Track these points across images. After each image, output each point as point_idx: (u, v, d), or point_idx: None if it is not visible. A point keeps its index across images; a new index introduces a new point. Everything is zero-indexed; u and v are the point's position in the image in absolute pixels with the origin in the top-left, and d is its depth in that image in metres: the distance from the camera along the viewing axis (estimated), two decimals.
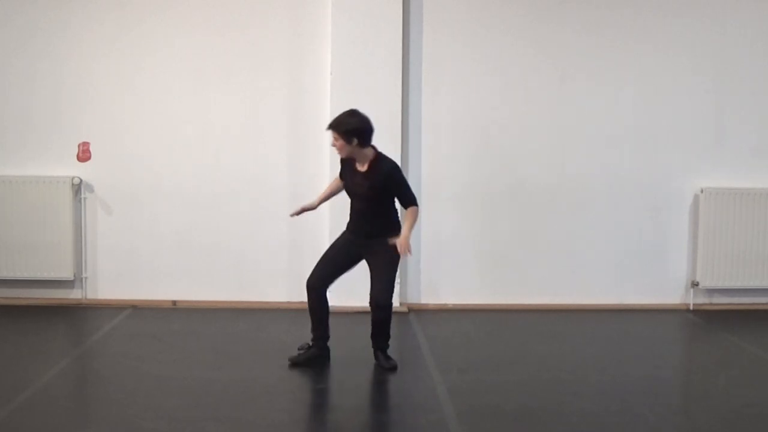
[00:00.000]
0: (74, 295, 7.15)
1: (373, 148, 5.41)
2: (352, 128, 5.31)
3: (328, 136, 5.44)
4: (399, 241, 5.27)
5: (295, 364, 5.49)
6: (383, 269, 5.40)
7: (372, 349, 5.57)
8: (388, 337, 5.55)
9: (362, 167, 5.41)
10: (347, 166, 5.49)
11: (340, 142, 5.33)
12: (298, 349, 5.58)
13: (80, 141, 7.09)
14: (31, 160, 7.04)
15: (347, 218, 5.58)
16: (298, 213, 5.71)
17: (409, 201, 5.41)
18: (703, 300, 7.34)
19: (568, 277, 7.26)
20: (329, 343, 5.59)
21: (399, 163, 5.63)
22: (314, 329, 5.54)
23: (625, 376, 5.49)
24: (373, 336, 5.55)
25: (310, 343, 5.56)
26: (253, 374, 5.40)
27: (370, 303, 5.44)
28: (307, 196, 7.05)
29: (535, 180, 7.22)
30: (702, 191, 7.17)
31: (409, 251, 5.32)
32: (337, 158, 5.57)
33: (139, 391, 5.05)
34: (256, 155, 7.13)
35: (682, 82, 7.23)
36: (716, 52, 7.21)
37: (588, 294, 7.24)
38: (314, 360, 5.52)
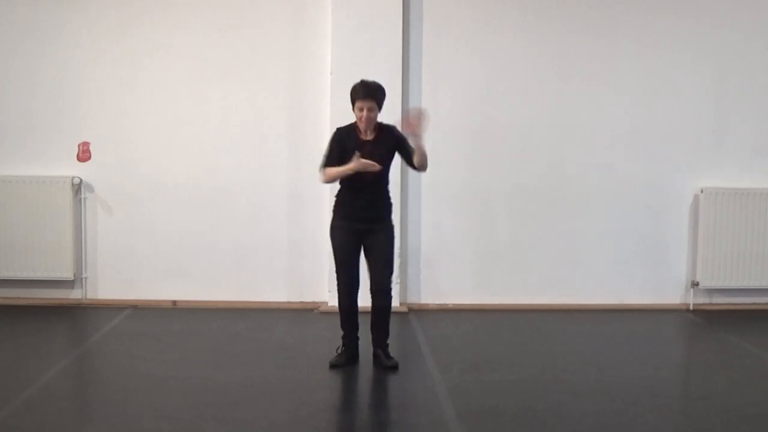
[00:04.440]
0: (74, 295, 7.15)
1: None
2: (384, 93, 5.33)
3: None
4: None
5: (335, 366, 5.46)
6: (384, 252, 5.38)
7: (371, 349, 5.55)
8: (388, 331, 5.53)
9: (368, 136, 5.34)
10: (347, 142, 5.32)
11: (376, 111, 5.27)
12: (336, 353, 5.55)
13: (80, 141, 7.09)
14: (31, 160, 7.04)
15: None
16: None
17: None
18: (703, 300, 7.34)
19: (568, 277, 7.26)
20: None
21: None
22: (351, 329, 5.50)
23: (625, 376, 5.49)
24: (374, 328, 5.50)
25: (343, 343, 5.53)
26: (253, 374, 5.40)
27: (371, 289, 5.42)
28: (307, 196, 7.12)
29: (535, 180, 7.22)
30: (702, 191, 7.17)
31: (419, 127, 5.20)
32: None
33: (139, 391, 5.05)
34: (256, 155, 7.13)
35: (682, 82, 7.23)
36: (716, 51, 7.21)
37: (588, 294, 7.24)
38: (352, 359, 5.52)
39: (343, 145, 5.37)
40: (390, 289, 5.47)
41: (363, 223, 5.37)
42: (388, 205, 5.50)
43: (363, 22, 6.90)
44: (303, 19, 7.05)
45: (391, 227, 5.49)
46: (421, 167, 5.40)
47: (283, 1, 7.06)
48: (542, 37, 7.16)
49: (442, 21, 7.10)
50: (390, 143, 5.36)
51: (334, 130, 5.49)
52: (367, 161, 5.21)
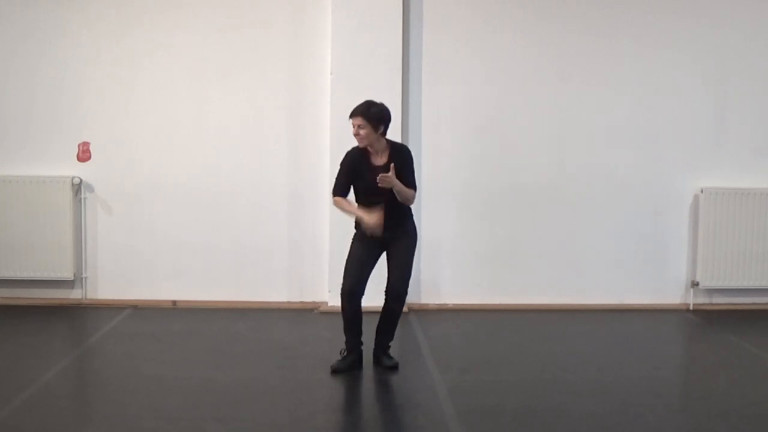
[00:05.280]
0: (74, 295, 7.15)
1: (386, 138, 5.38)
2: (381, 115, 5.26)
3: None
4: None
5: (336, 371, 5.41)
6: (403, 258, 5.37)
7: (372, 349, 5.55)
8: (392, 336, 5.54)
9: (380, 160, 5.32)
10: (359, 166, 5.32)
11: (366, 130, 5.21)
12: (340, 357, 5.50)
13: (80, 141, 7.09)
14: (31, 160, 7.04)
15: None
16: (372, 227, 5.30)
17: (413, 185, 5.32)
18: (703, 300, 7.33)
19: (568, 277, 7.26)
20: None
21: None
22: (353, 335, 5.44)
23: (625, 376, 5.49)
24: (380, 331, 5.50)
25: (346, 349, 5.48)
26: (253, 374, 5.40)
27: (387, 292, 5.39)
28: (307, 196, 7.12)
29: (535, 180, 7.22)
30: (702, 191, 7.17)
31: (385, 181, 5.15)
32: (337, 159, 5.50)
33: (139, 391, 5.06)
34: (257, 155, 7.13)
35: (682, 82, 7.23)
36: (716, 51, 7.21)
37: (588, 294, 7.24)
38: (355, 365, 5.46)
39: (354, 169, 5.34)
40: (404, 295, 5.43)
41: (386, 233, 5.30)
42: (407, 214, 5.46)
43: (363, 22, 6.90)
44: (303, 19, 7.05)
45: (412, 235, 5.46)
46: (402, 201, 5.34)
47: (283, 1, 7.06)
48: (542, 37, 7.16)
49: (442, 21, 7.10)
50: (398, 163, 5.29)
51: (346, 152, 5.42)
52: (374, 222, 5.18)
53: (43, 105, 7.04)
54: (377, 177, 5.16)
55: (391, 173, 5.19)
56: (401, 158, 5.34)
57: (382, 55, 6.90)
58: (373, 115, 5.23)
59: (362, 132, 5.23)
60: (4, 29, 6.99)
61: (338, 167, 5.42)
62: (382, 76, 6.85)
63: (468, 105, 7.16)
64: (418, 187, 5.34)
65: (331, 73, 6.93)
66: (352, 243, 5.45)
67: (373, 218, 5.21)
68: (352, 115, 5.26)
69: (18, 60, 7.01)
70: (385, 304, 5.45)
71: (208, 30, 7.05)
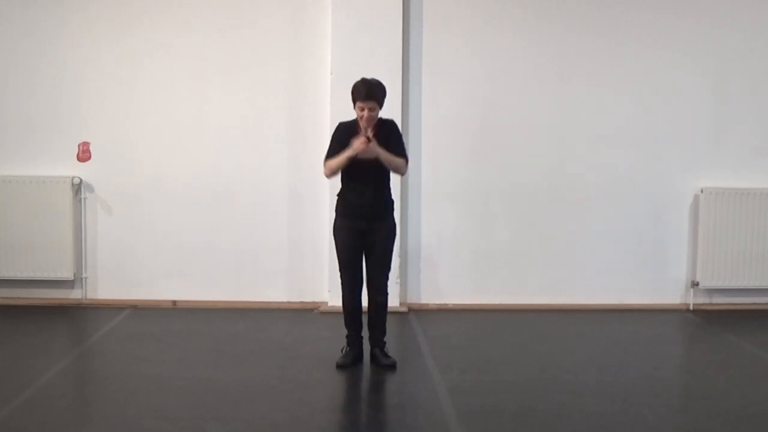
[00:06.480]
0: (74, 295, 7.16)
1: None
2: (385, 94, 5.39)
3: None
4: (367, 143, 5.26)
5: (342, 366, 5.47)
6: (382, 250, 5.42)
7: (369, 349, 5.57)
8: (384, 330, 5.56)
9: (368, 132, 5.36)
10: (348, 139, 5.34)
11: (377, 111, 5.32)
12: (342, 354, 5.57)
13: (80, 141, 7.09)
14: (31, 160, 7.04)
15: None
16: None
17: (403, 155, 5.44)
18: (703, 300, 7.33)
19: (568, 277, 7.26)
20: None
21: None
22: (355, 328, 5.54)
23: (625, 376, 5.49)
24: (371, 325, 5.53)
25: (348, 343, 5.56)
26: (253, 374, 5.40)
27: (368, 286, 5.45)
28: (307, 196, 7.13)
29: (535, 180, 7.22)
30: (702, 191, 7.17)
31: (364, 147, 5.23)
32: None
33: (139, 391, 5.06)
34: (256, 155, 7.13)
35: (682, 82, 7.23)
36: (716, 52, 7.21)
37: (588, 294, 7.24)
38: (357, 359, 5.54)
39: (343, 142, 5.38)
40: (386, 287, 5.50)
41: (365, 221, 5.38)
42: (389, 203, 5.52)
43: (363, 22, 6.90)
44: (303, 19, 7.05)
45: (392, 226, 5.53)
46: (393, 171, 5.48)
47: (283, 1, 7.06)
48: (542, 37, 7.16)
49: (442, 21, 7.10)
50: (384, 135, 5.38)
51: (337, 124, 5.52)
52: (361, 145, 5.23)
53: (43, 105, 7.04)
54: (356, 144, 5.23)
55: (372, 143, 5.26)
56: (387, 129, 5.42)
57: (382, 55, 6.90)
58: (382, 93, 5.35)
59: (374, 113, 5.31)
60: (4, 29, 6.99)
61: (329, 140, 5.52)
62: (382, 76, 6.73)
63: (468, 105, 7.16)
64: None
65: (331, 73, 6.93)
66: (337, 233, 5.49)
67: (358, 141, 5.25)
68: (367, 99, 5.27)
69: (18, 60, 7.01)
70: (369, 298, 5.50)
71: (208, 30, 7.05)
